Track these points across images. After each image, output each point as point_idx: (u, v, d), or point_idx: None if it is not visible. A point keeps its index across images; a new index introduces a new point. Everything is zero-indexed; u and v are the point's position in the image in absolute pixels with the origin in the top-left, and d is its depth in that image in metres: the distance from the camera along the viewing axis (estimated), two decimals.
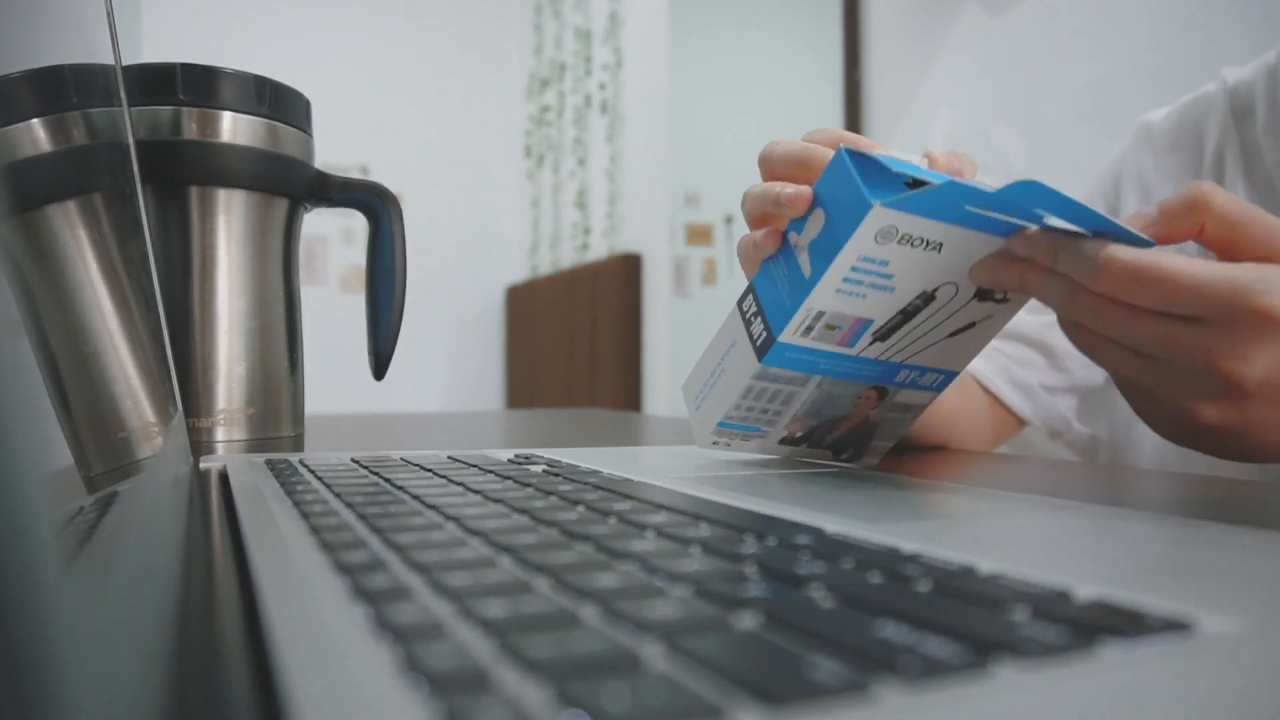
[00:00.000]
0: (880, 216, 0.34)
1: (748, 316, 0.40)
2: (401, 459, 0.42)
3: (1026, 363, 0.70)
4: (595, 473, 0.38)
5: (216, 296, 0.61)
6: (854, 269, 0.36)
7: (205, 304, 0.60)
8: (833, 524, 0.25)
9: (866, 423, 0.44)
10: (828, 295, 0.37)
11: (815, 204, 0.37)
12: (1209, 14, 1.67)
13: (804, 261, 0.37)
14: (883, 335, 0.39)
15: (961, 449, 0.65)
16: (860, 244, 0.35)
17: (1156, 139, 0.70)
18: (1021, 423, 0.71)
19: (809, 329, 0.38)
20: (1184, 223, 0.37)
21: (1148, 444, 0.67)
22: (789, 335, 0.38)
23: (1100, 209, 0.72)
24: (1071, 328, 0.38)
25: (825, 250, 0.36)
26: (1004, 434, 0.71)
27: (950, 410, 0.63)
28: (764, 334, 0.39)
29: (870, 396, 0.42)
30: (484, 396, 4.33)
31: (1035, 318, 0.70)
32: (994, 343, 0.70)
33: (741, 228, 4.11)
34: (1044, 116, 1.97)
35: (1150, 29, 1.74)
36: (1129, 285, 0.34)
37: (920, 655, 0.14)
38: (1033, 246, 0.37)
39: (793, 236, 0.38)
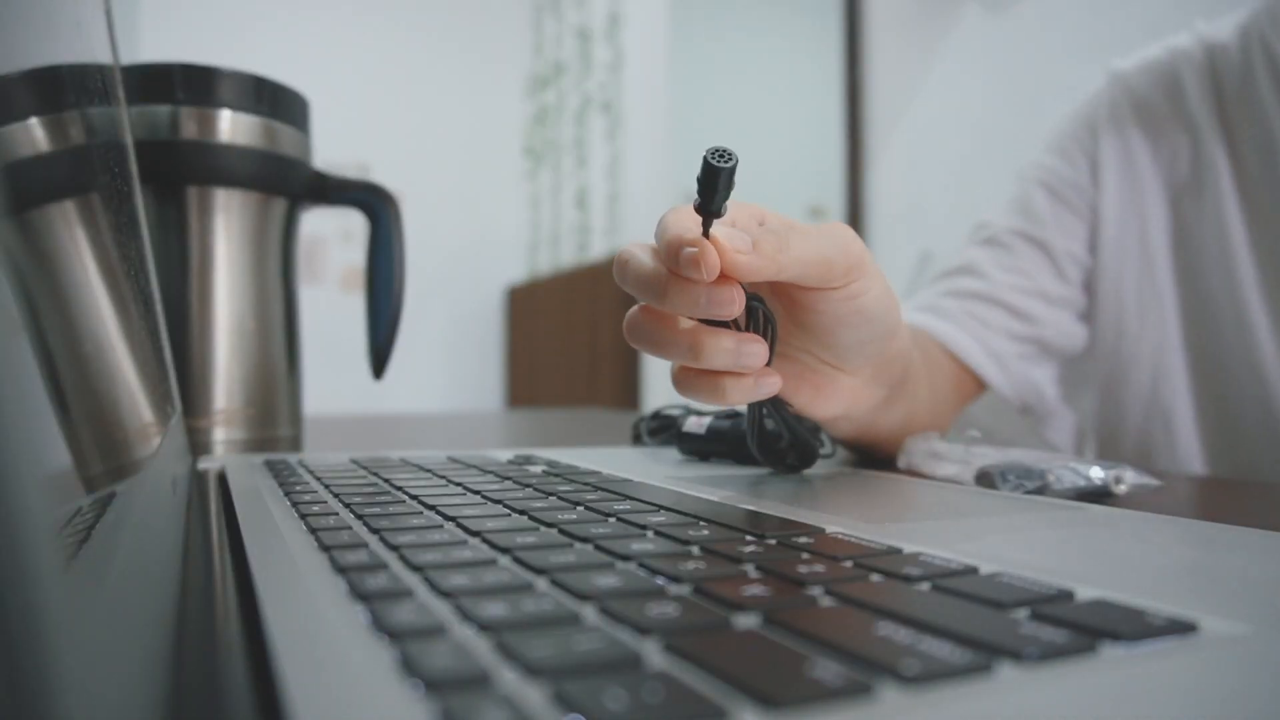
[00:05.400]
0: None
1: None
2: (400, 459, 0.42)
3: (998, 329, 0.67)
4: (595, 473, 0.38)
5: (215, 296, 0.61)
6: None
7: (204, 304, 0.60)
8: (833, 524, 0.25)
9: None
10: None
11: None
12: (1208, 14, 1.67)
13: None
14: None
15: (919, 413, 0.62)
16: None
17: (1135, 90, 0.68)
18: (981, 387, 0.68)
19: None
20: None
21: (1184, 439, 0.66)
22: None
23: (1079, 161, 0.68)
24: None
25: None
26: (966, 401, 0.68)
27: (913, 375, 0.54)
28: None
29: None
30: (483, 396, 4.33)
31: (1011, 279, 0.68)
32: (964, 304, 0.67)
33: None
34: (1044, 116, 1.97)
35: (1149, 29, 1.74)
36: None
37: (920, 655, 0.14)
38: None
39: None
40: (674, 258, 0.31)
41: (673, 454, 0.49)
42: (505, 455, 0.45)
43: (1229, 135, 0.63)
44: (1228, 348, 0.62)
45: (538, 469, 0.39)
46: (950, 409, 0.65)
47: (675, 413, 0.57)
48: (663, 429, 0.57)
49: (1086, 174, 0.69)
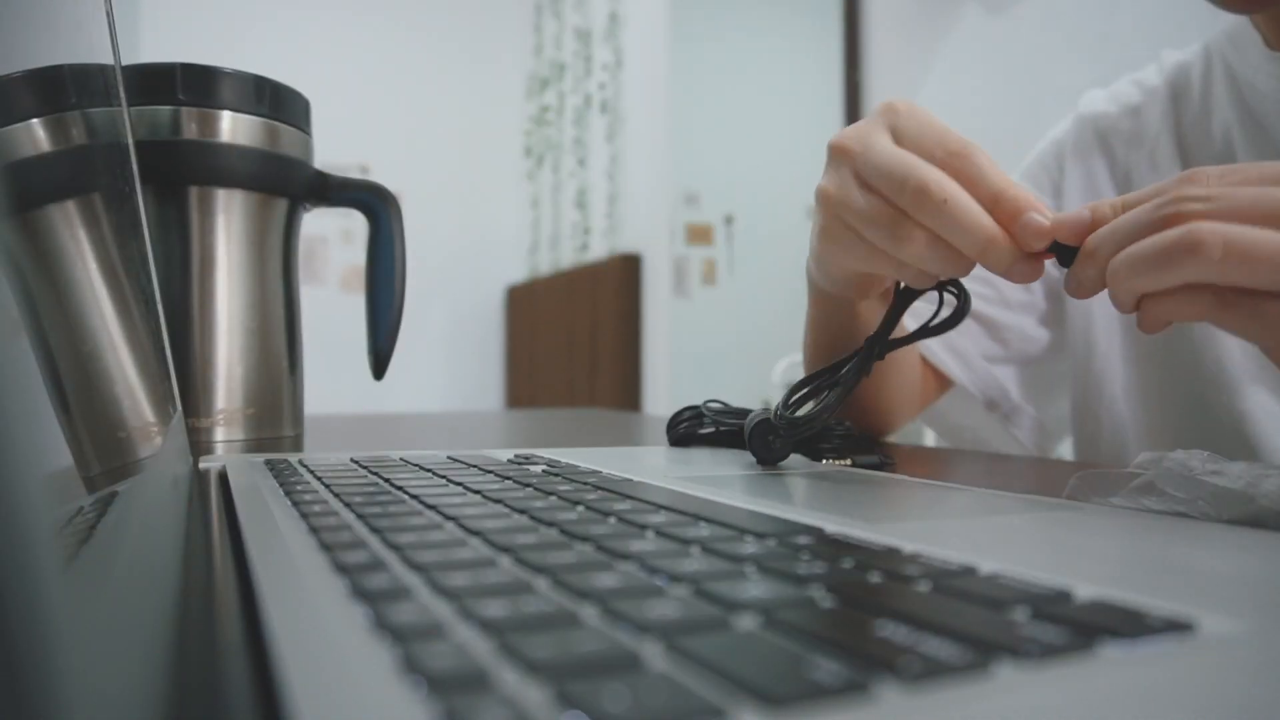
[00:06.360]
0: None
1: None
2: (401, 459, 0.42)
3: (964, 331, 0.70)
4: (595, 473, 0.38)
5: (216, 296, 0.61)
6: None
7: (205, 304, 0.60)
8: (833, 524, 0.25)
9: None
10: None
11: None
12: (1208, 14, 1.67)
13: None
14: None
15: (884, 413, 0.65)
16: None
17: (1098, 122, 0.70)
18: (945, 385, 0.71)
19: None
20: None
21: (1131, 434, 0.67)
22: None
23: (1045, 186, 0.72)
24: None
25: None
26: (929, 399, 0.71)
27: (877, 374, 0.62)
28: None
29: None
30: (483, 396, 4.33)
31: (975, 287, 0.70)
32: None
33: (740, 226, 4.05)
34: (1044, 117, 1.97)
35: (1149, 29, 1.74)
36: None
37: (920, 655, 0.14)
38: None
39: None
40: (1016, 216, 0.35)
41: (677, 454, 0.49)
42: (505, 455, 0.45)
43: (1185, 154, 0.64)
44: (1196, 359, 0.62)
45: (538, 469, 0.39)
46: (912, 405, 0.69)
47: (717, 408, 0.54)
48: (697, 425, 0.55)
49: (1050, 200, 0.72)
